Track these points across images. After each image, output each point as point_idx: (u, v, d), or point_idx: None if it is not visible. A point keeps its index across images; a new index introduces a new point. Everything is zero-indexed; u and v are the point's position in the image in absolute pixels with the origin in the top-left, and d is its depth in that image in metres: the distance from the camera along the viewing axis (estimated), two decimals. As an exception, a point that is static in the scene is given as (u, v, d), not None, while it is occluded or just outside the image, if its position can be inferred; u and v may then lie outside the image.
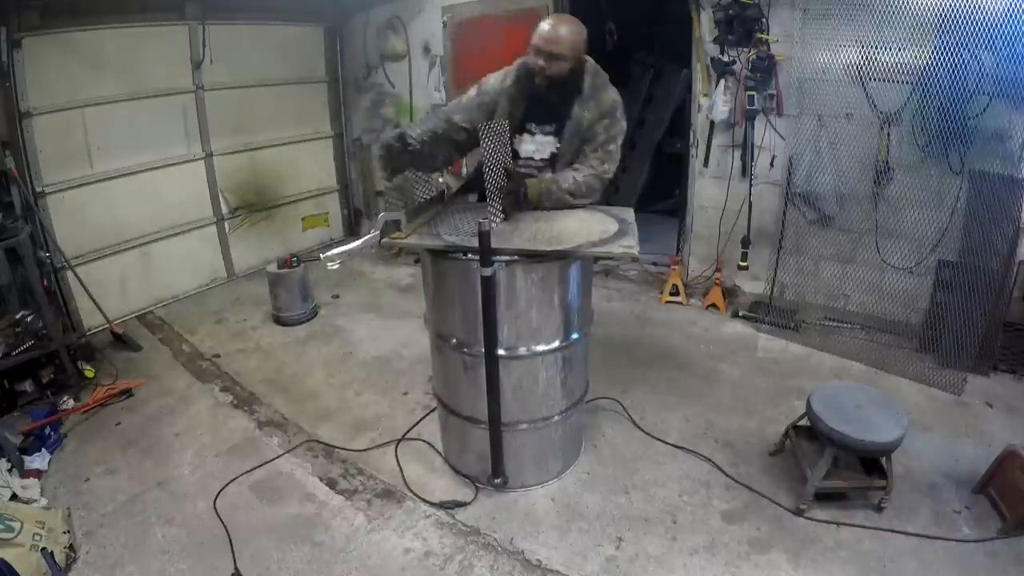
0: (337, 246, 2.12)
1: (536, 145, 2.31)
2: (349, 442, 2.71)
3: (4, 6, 3.20)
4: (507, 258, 1.97)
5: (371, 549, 2.12)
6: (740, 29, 3.42)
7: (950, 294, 3.03)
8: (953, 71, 2.82)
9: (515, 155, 2.30)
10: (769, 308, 3.68)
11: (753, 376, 3.14)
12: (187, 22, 4.15)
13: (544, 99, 2.21)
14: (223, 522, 2.23)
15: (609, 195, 5.88)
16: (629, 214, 2.31)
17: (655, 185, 5.48)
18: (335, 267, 2.06)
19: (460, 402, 2.33)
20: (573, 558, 2.06)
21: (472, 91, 2.36)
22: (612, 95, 2.26)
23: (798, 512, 2.18)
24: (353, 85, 5.42)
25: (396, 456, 2.59)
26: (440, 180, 2.51)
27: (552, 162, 2.32)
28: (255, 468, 2.53)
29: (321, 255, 2.06)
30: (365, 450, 2.65)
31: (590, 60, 2.26)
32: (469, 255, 1.98)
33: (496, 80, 2.32)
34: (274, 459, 2.60)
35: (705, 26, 3.62)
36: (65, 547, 2.07)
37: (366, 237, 2.08)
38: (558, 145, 2.28)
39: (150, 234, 4.21)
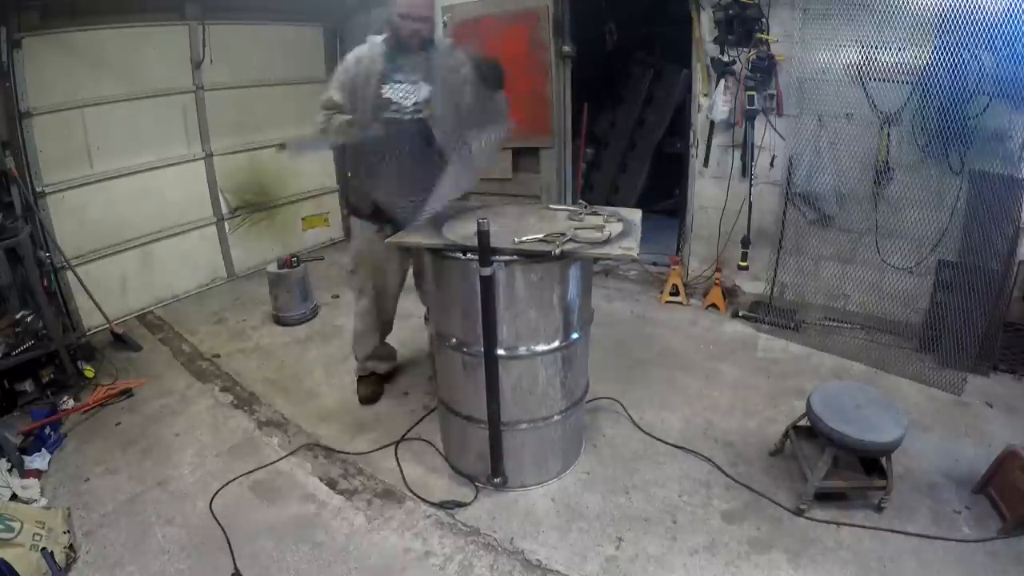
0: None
1: (404, 92, 2.49)
2: (349, 442, 2.71)
3: (4, 6, 3.20)
4: (506, 258, 1.97)
5: (371, 549, 2.12)
6: (740, 29, 3.42)
7: (950, 294, 3.03)
8: (953, 71, 2.82)
9: (387, 103, 2.48)
10: (769, 308, 3.68)
11: (753, 376, 3.14)
12: (187, 22, 4.15)
13: (408, 54, 2.47)
14: (220, 524, 2.22)
15: (609, 195, 5.90)
16: (636, 216, 2.32)
17: (655, 185, 5.48)
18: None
19: (460, 402, 2.33)
20: (573, 558, 2.05)
21: (334, 86, 2.51)
22: (451, 43, 2.69)
23: (798, 512, 2.18)
24: (353, 85, 5.41)
25: (396, 456, 2.59)
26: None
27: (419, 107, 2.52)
28: (255, 469, 2.54)
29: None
30: (366, 453, 2.64)
31: None
32: (468, 255, 1.98)
33: (358, 57, 2.49)
34: (275, 460, 2.60)
35: (705, 26, 3.62)
36: (65, 547, 2.07)
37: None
38: (431, 89, 2.50)
39: (150, 234, 4.21)
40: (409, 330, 3.74)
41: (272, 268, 3.93)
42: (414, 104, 2.48)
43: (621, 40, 5.74)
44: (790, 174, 3.49)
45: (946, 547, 2.03)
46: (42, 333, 3.06)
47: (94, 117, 3.75)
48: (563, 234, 2.04)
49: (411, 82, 2.48)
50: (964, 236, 3.04)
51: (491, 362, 2.09)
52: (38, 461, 2.56)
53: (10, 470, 2.42)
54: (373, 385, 3.04)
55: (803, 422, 2.35)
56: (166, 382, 3.29)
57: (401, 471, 2.50)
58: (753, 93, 3.44)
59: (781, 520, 2.18)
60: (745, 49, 3.46)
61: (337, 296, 4.40)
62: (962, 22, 2.74)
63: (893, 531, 2.09)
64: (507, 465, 2.31)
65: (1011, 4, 2.67)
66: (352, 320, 2.98)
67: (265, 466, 2.56)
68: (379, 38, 2.51)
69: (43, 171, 3.53)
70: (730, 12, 3.41)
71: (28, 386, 3.05)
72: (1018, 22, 2.67)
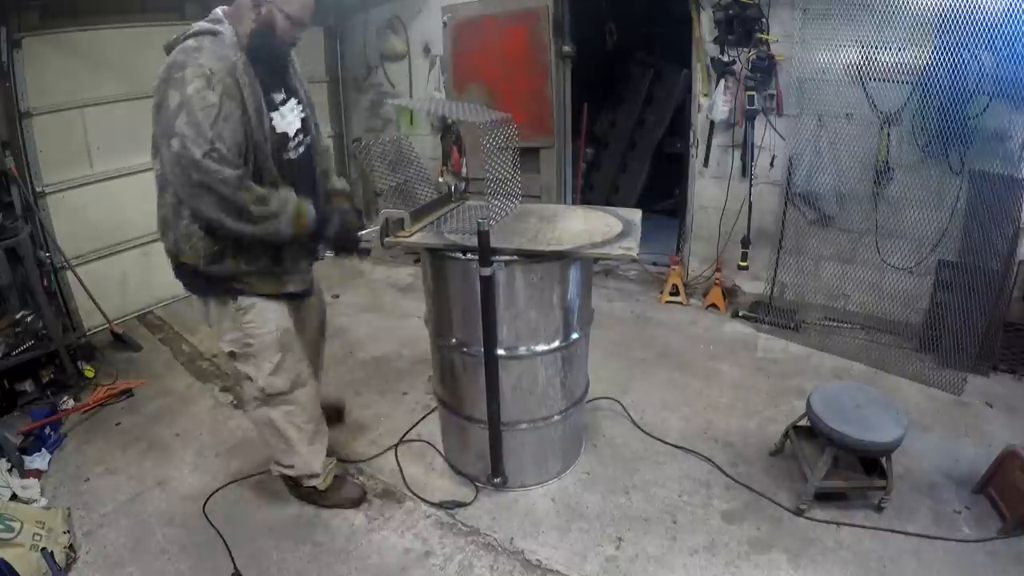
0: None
1: (291, 116, 1.93)
2: (349, 442, 2.71)
3: (4, 6, 3.20)
4: (507, 258, 1.97)
5: (371, 549, 2.12)
6: (740, 29, 3.43)
7: (950, 294, 3.03)
8: (953, 71, 2.82)
9: (285, 137, 1.90)
10: (769, 308, 3.68)
11: (753, 376, 3.14)
12: (187, 22, 4.09)
13: (275, 66, 1.89)
14: (220, 524, 2.22)
15: (609, 195, 5.88)
16: (636, 216, 2.32)
17: (655, 185, 5.49)
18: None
19: (460, 402, 2.32)
20: (573, 558, 2.05)
21: (206, 96, 1.74)
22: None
23: (798, 512, 2.18)
24: (353, 85, 5.42)
25: (396, 456, 2.59)
26: (441, 180, 2.51)
27: (305, 129, 1.99)
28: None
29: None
30: (369, 458, 2.63)
31: None
32: (468, 255, 1.98)
33: (216, 72, 1.80)
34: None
35: (705, 26, 3.62)
36: (65, 547, 2.07)
37: (365, 231, 2.06)
38: (304, 110, 2.00)
39: (150, 234, 4.13)
40: (409, 329, 3.75)
41: (272, 268, 3.92)
42: (297, 131, 1.94)
43: (621, 40, 5.75)
44: (790, 174, 3.49)
45: (946, 547, 2.03)
46: (42, 333, 3.06)
47: (94, 117, 3.75)
48: None
49: (295, 101, 1.95)
50: (964, 236, 3.04)
51: (491, 362, 2.09)
52: (38, 461, 2.56)
53: (10, 470, 2.42)
54: (350, 481, 2.39)
55: (803, 422, 2.35)
56: (166, 382, 3.28)
57: (401, 471, 2.50)
58: (753, 93, 3.44)
59: (781, 520, 2.18)
60: (745, 49, 3.46)
61: (337, 296, 4.40)
62: (962, 22, 2.74)
63: (893, 531, 2.09)
64: (507, 465, 2.31)
65: (1011, 4, 2.67)
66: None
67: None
68: (221, 36, 1.85)
69: (43, 171, 3.53)
70: (730, 12, 3.41)
71: (28, 386, 3.05)
72: (1018, 22, 2.67)
